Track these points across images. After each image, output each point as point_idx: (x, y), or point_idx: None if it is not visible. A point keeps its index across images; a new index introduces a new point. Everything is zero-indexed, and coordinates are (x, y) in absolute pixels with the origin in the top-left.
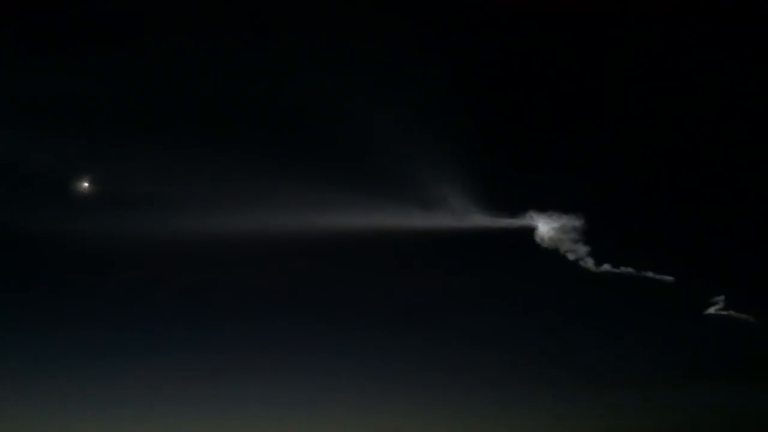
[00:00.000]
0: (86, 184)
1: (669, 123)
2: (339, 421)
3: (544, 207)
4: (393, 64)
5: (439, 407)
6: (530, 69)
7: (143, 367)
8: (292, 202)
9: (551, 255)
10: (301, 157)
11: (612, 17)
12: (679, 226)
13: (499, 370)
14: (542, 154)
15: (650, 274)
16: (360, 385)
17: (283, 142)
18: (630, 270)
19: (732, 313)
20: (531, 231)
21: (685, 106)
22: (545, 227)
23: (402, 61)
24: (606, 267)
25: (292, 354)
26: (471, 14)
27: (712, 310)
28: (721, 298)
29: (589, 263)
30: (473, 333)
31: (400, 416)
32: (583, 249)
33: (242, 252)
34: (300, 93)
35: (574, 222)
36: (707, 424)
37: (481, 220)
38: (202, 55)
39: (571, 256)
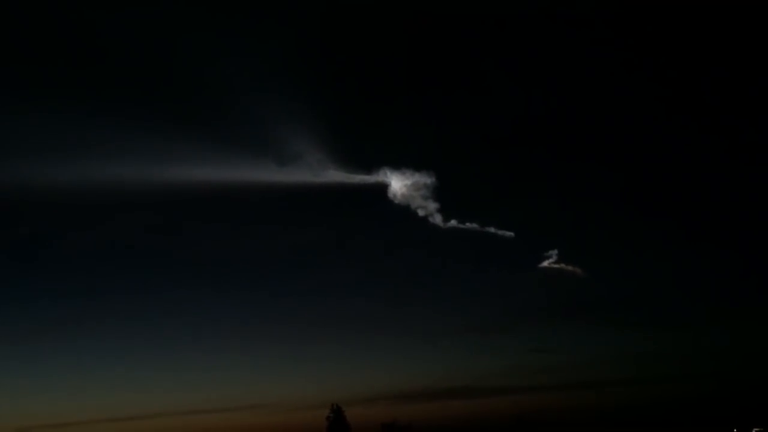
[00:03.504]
0: None
1: (513, 84)
2: (198, 376)
3: (397, 164)
4: (251, 15)
5: (293, 355)
6: (385, 24)
7: None
8: (144, 155)
9: (403, 210)
10: (154, 109)
11: None
12: (519, 184)
13: (351, 320)
14: (396, 112)
15: (493, 230)
16: (219, 339)
17: (137, 93)
18: (474, 226)
19: (563, 266)
20: (384, 187)
21: (527, 65)
22: (398, 184)
23: (261, 11)
24: (453, 223)
25: (132, 310)
26: None
27: (546, 263)
28: (554, 252)
29: (438, 219)
30: (326, 284)
31: (256, 369)
32: (432, 205)
33: (82, 204)
34: (158, 45)
35: (425, 179)
36: (538, 363)
37: (336, 175)
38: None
39: (421, 212)
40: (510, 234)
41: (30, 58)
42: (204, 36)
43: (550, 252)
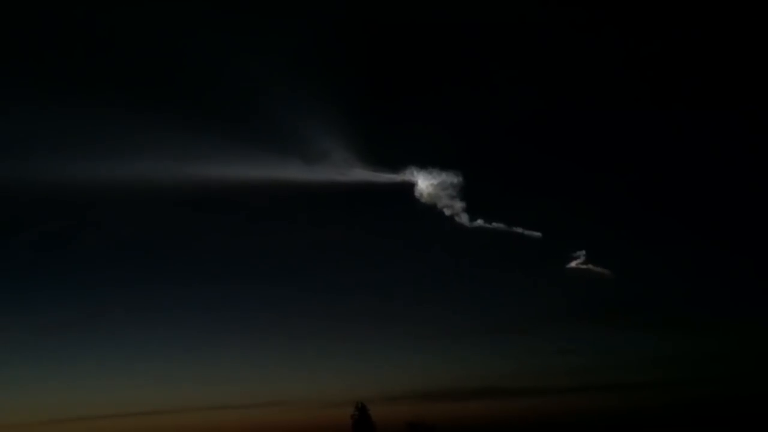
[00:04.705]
0: None
1: (541, 83)
2: (218, 372)
3: (424, 163)
4: (277, 12)
5: (317, 352)
6: (412, 26)
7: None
8: (170, 153)
9: (429, 210)
10: (184, 108)
11: None
12: (547, 184)
13: (374, 319)
14: (423, 111)
15: (520, 230)
16: (243, 335)
17: (161, 91)
18: (501, 226)
19: (591, 267)
20: (411, 186)
21: (557, 65)
22: (424, 183)
23: (287, 8)
24: (479, 222)
25: (158, 305)
26: None
27: (573, 263)
28: (582, 252)
29: (464, 218)
30: (351, 282)
31: (280, 365)
32: (458, 205)
33: (114, 200)
34: (186, 46)
35: (452, 179)
36: (563, 365)
37: (362, 174)
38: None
39: (447, 212)
40: (537, 234)
41: (52, 54)
42: (231, 33)
43: (578, 253)
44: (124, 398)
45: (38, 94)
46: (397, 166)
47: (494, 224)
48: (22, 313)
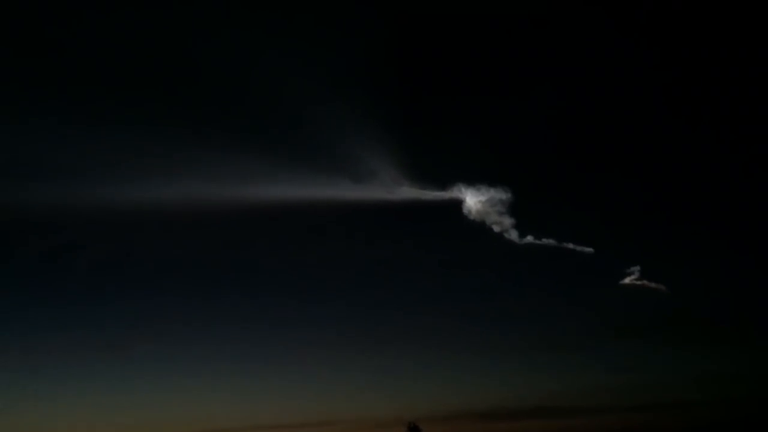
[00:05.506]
0: None
1: (591, 98)
2: (270, 390)
3: (472, 180)
4: (324, 33)
5: (370, 371)
6: (457, 42)
7: (58, 336)
8: (220, 174)
9: (478, 227)
10: (230, 130)
11: None
12: (599, 200)
13: (426, 337)
14: (470, 128)
15: (571, 246)
16: (294, 352)
17: (212, 114)
18: (552, 241)
19: (646, 283)
20: (459, 203)
21: (607, 80)
22: (473, 200)
23: (333, 28)
24: (529, 238)
25: (216, 326)
26: None
27: (627, 279)
28: (637, 268)
29: (514, 235)
30: (401, 299)
31: (332, 384)
32: (508, 221)
33: (168, 222)
34: (231, 66)
35: (500, 195)
36: (623, 384)
37: (410, 192)
38: (119, 17)
39: (496, 228)
40: (589, 250)
41: (109, 80)
42: (278, 53)
43: (632, 268)
44: (168, 417)
45: (90, 119)
46: (444, 183)
47: (544, 240)
48: (81, 330)
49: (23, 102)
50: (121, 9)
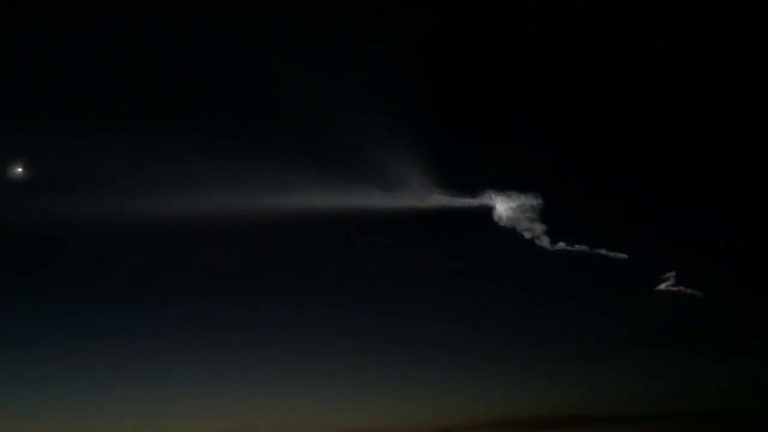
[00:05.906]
0: (21, 169)
1: (622, 102)
2: (303, 400)
3: (502, 186)
4: (353, 40)
5: (401, 380)
6: (487, 47)
7: (90, 349)
8: (251, 183)
9: (509, 234)
10: (260, 138)
11: None
12: (632, 204)
13: (458, 345)
14: (500, 133)
15: (604, 252)
16: (326, 361)
17: (241, 122)
18: (584, 248)
19: (681, 289)
20: (489, 210)
21: (637, 84)
22: (503, 206)
23: (362, 36)
24: (561, 245)
25: (251, 336)
26: None
27: (663, 286)
28: (672, 274)
29: (545, 242)
30: (432, 312)
31: (363, 393)
32: (539, 227)
33: (195, 234)
34: (261, 73)
35: (531, 201)
36: (658, 393)
37: (440, 199)
38: (146, 26)
39: (527, 235)
40: (623, 256)
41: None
42: (306, 63)
43: (668, 274)
44: (196, 425)
45: (123, 131)
46: (474, 190)
47: (577, 247)
48: (124, 339)
49: (57, 114)
50: (150, 22)
